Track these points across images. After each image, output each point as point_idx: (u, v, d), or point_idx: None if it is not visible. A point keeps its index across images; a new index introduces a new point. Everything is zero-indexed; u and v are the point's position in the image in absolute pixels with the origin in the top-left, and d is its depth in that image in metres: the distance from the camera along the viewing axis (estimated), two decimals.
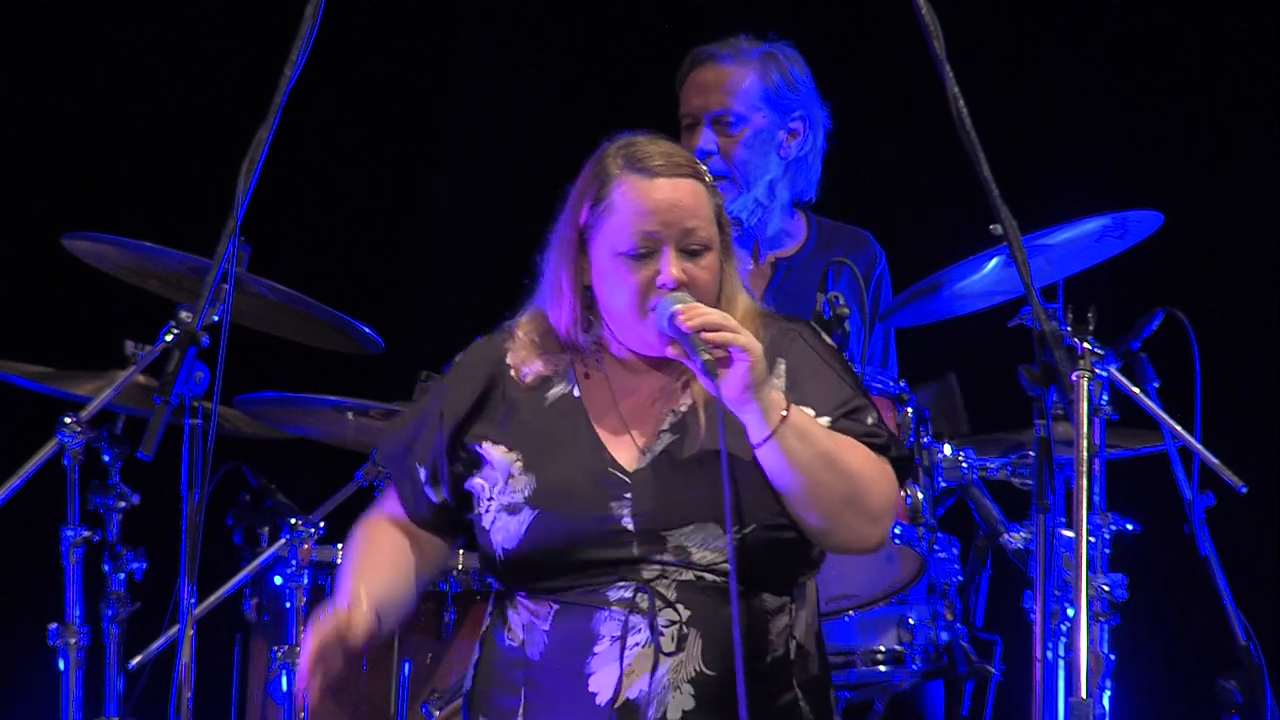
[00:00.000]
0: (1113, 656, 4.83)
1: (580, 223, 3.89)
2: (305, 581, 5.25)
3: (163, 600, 5.12)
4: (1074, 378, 4.12)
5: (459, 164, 6.94)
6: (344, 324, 5.24)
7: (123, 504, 5.21)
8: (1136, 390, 4.98)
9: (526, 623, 3.85)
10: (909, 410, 4.95)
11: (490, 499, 3.89)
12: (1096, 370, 4.43)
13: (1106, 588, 4.83)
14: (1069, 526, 4.51)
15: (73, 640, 5.10)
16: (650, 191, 3.82)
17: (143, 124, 6.83)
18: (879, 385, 4.94)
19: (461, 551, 5.38)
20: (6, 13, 6.79)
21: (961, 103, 3.96)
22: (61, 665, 5.11)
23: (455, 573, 5.36)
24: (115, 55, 6.81)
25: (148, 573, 5.24)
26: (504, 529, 3.84)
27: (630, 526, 3.78)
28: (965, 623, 5.14)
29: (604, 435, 3.87)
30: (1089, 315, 4.54)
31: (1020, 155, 6.41)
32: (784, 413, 3.73)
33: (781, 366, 3.87)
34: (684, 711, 3.73)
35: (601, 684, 3.76)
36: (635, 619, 3.75)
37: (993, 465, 5.15)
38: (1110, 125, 6.69)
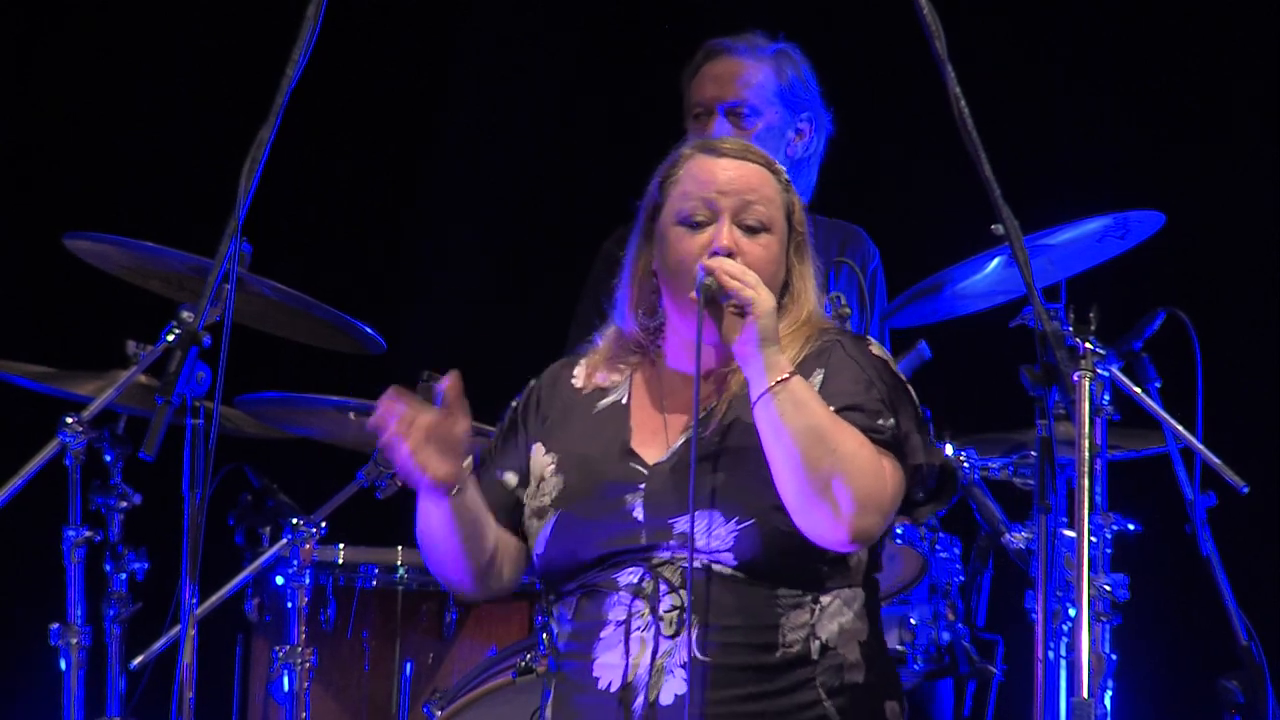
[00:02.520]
0: (1114, 656, 4.83)
1: (650, 203, 4.00)
2: (307, 581, 5.25)
3: (164, 600, 5.12)
4: (1076, 378, 4.12)
5: (459, 164, 6.94)
6: (345, 324, 5.24)
7: (124, 504, 5.21)
8: (1138, 390, 4.98)
9: (559, 615, 3.92)
10: None
11: (525, 504, 3.99)
12: (1098, 370, 4.44)
13: (1108, 588, 4.83)
14: (1071, 526, 4.52)
15: (74, 640, 5.10)
16: (715, 166, 3.94)
17: (143, 124, 6.83)
18: None
19: None
20: (7, 13, 6.79)
21: (963, 102, 3.96)
22: (63, 665, 5.11)
23: None
24: (116, 55, 6.81)
25: (149, 573, 5.24)
26: (535, 533, 3.93)
27: (640, 516, 3.83)
28: (967, 622, 5.14)
29: (637, 435, 3.95)
30: (1091, 315, 4.54)
31: (1022, 155, 6.41)
32: (785, 376, 3.77)
33: (818, 375, 3.89)
34: (676, 695, 3.76)
35: (605, 668, 3.81)
36: (639, 603, 3.80)
37: (994, 465, 5.15)
38: (1111, 125, 6.69)
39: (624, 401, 4.01)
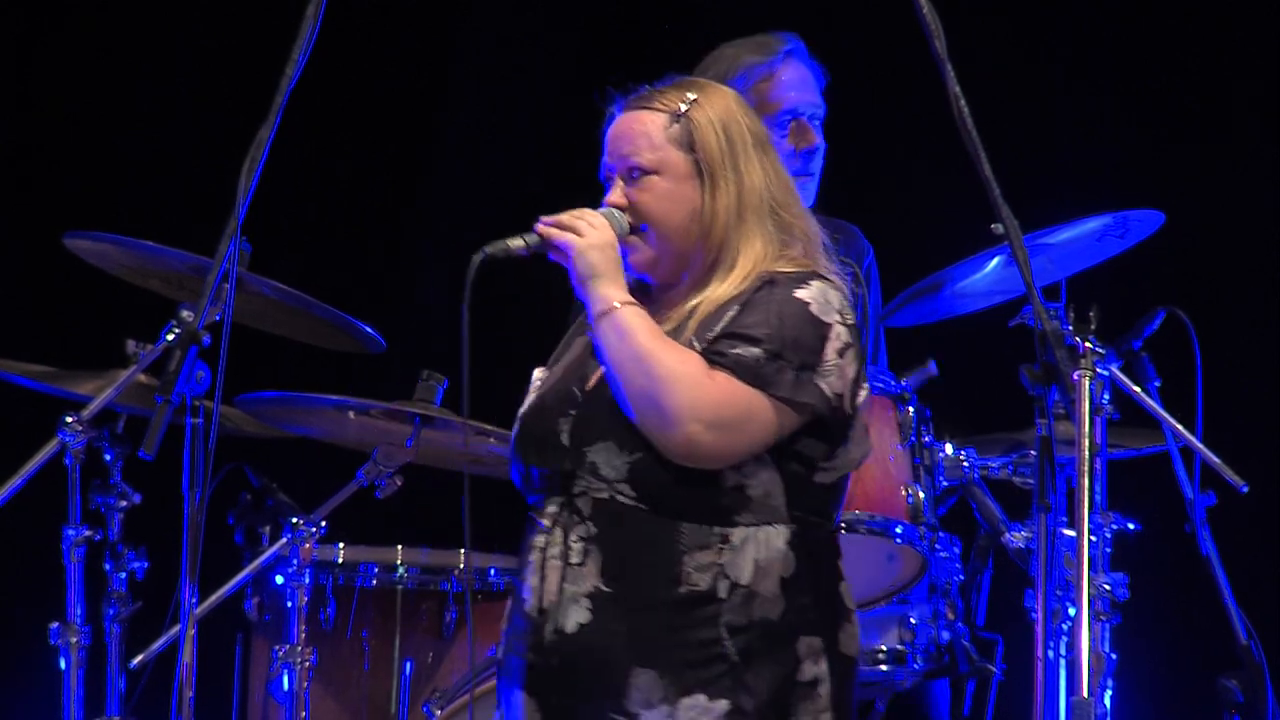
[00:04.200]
0: (1114, 656, 4.83)
1: None
2: (306, 581, 5.26)
3: (164, 599, 5.11)
4: (1075, 377, 4.12)
5: (459, 164, 6.94)
6: (345, 323, 5.24)
7: (124, 503, 5.21)
8: (1138, 389, 4.98)
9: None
10: (910, 410, 4.95)
11: None
12: (1098, 369, 4.43)
13: (1108, 587, 4.83)
14: (1070, 525, 4.52)
15: (74, 639, 5.10)
16: (611, 129, 4.07)
17: (143, 124, 6.83)
18: (880, 385, 4.94)
19: (463, 551, 5.39)
20: (7, 12, 6.79)
21: (963, 102, 3.97)
22: (63, 664, 5.12)
23: (456, 572, 5.37)
24: (116, 55, 6.81)
25: (149, 572, 5.24)
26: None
27: (565, 442, 3.93)
28: (967, 622, 5.14)
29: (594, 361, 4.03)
30: (1090, 314, 4.55)
31: (1021, 155, 6.41)
32: (611, 307, 3.90)
33: (730, 314, 3.92)
34: (579, 624, 3.85)
35: (529, 591, 3.91)
36: (557, 532, 3.90)
37: (994, 464, 5.15)
38: (1111, 125, 6.69)
39: None
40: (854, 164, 5.83)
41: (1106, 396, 4.81)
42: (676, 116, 4.01)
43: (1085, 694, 3.93)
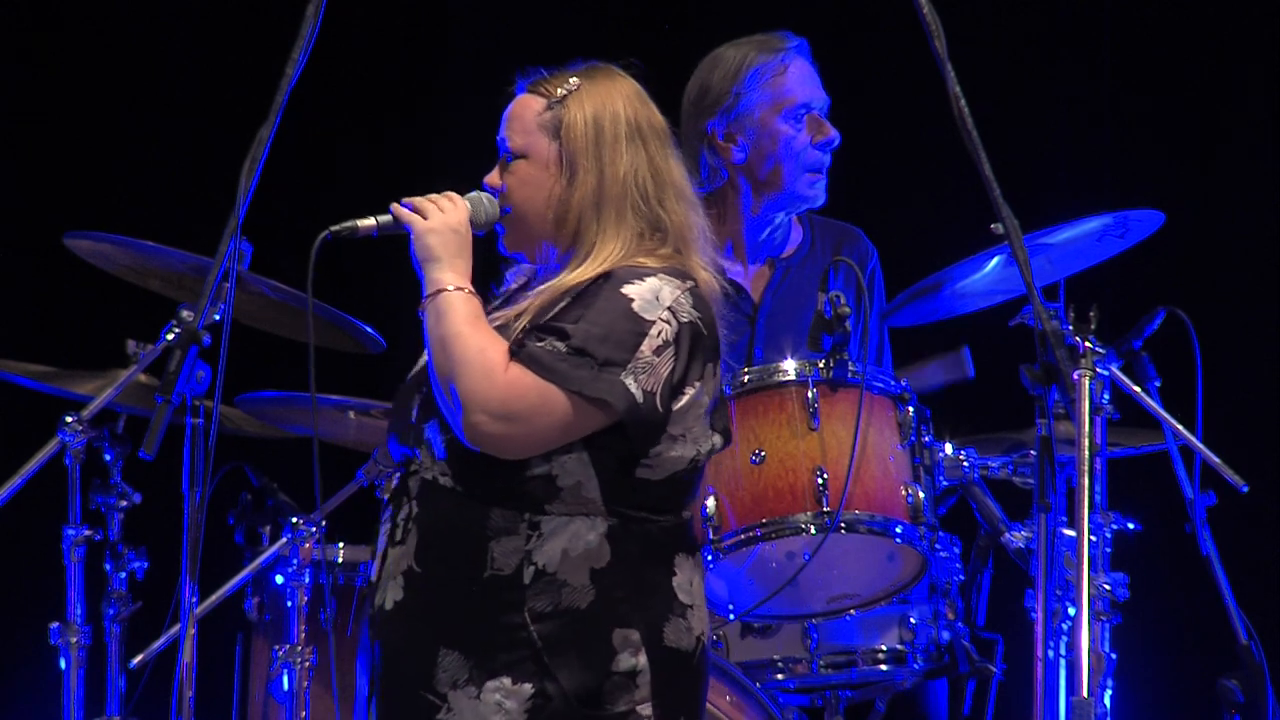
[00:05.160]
0: (1114, 655, 4.83)
1: None
2: (306, 580, 5.25)
3: (164, 599, 5.11)
4: (1075, 376, 4.13)
5: (459, 163, 6.93)
6: (345, 323, 5.24)
7: (124, 503, 5.22)
8: (1138, 389, 4.98)
9: None
10: (910, 410, 4.95)
11: None
12: (1098, 369, 4.43)
13: (1108, 587, 4.83)
14: (1070, 525, 4.52)
15: (74, 639, 5.10)
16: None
17: (143, 123, 6.83)
18: (880, 384, 4.93)
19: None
20: (7, 12, 6.79)
21: (963, 101, 3.97)
22: (63, 664, 5.12)
23: None
24: (116, 55, 6.81)
25: (149, 572, 5.24)
26: None
27: (413, 419, 3.99)
28: (967, 622, 5.14)
29: None
30: (1090, 314, 4.55)
31: (1021, 154, 6.41)
32: (438, 289, 3.97)
33: (561, 306, 3.95)
34: (395, 602, 3.91)
35: (371, 567, 3.98)
36: (390, 509, 3.97)
37: (994, 464, 5.15)
38: (1110, 125, 6.69)
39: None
40: (854, 164, 5.83)
41: (1106, 396, 4.80)
42: (551, 103, 4.05)
43: (1085, 694, 3.94)
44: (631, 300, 3.91)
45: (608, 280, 3.94)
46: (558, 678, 3.85)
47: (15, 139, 6.79)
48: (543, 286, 4.00)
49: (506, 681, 3.85)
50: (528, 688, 3.85)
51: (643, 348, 3.89)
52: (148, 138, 6.82)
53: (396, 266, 6.98)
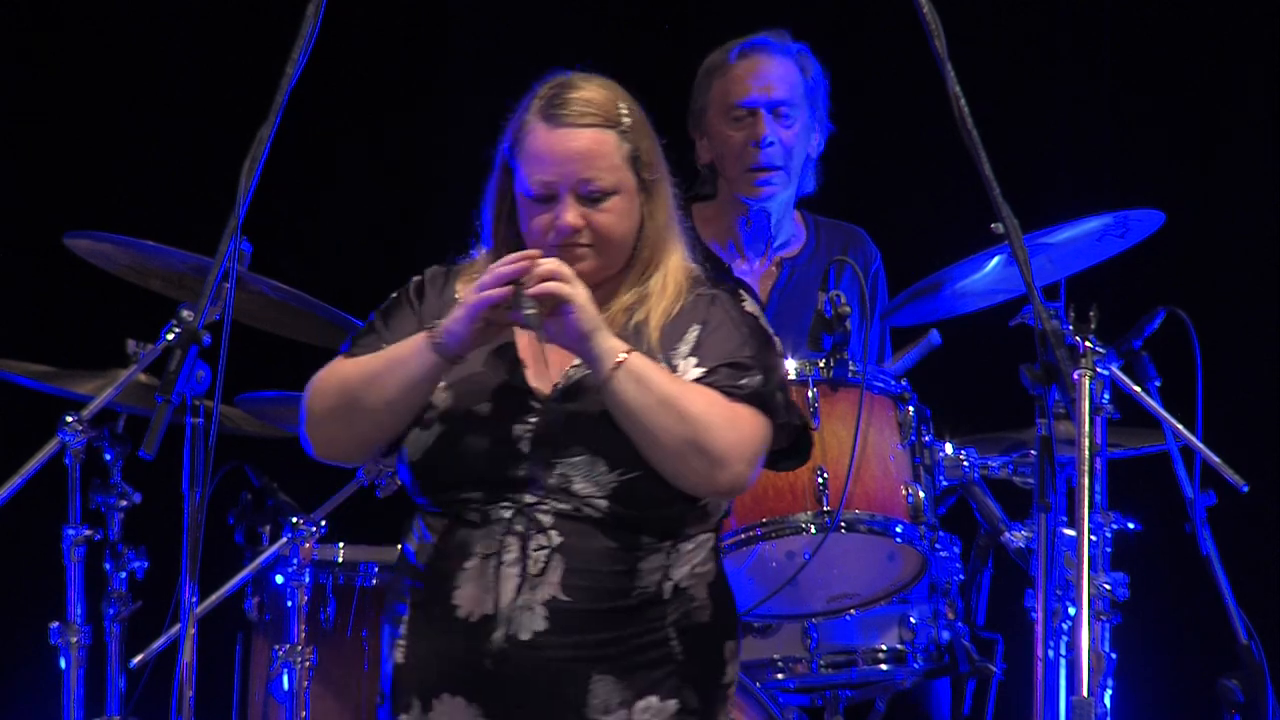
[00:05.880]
0: (1114, 655, 4.84)
1: (505, 162, 4.07)
2: (306, 580, 5.25)
3: (164, 599, 5.11)
4: (1076, 376, 4.13)
5: (459, 163, 6.93)
6: (345, 323, 5.24)
7: (124, 503, 5.21)
8: (1138, 389, 4.98)
9: (422, 533, 3.97)
10: (910, 409, 4.95)
11: None
12: (1098, 369, 4.44)
13: (1108, 586, 4.83)
14: (1070, 525, 4.52)
15: (74, 639, 5.10)
16: (551, 142, 3.95)
17: (144, 123, 6.83)
18: (880, 384, 4.94)
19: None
20: (7, 12, 6.79)
21: (963, 101, 3.97)
22: (63, 664, 5.11)
23: None
24: (116, 55, 6.81)
25: (149, 571, 5.24)
26: (414, 441, 3.95)
27: (526, 450, 3.89)
28: (967, 621, 5.14)
29: (525, 359, 3.98)
30: (1090, 314, 4.55)
31: (1021, 154, 6.41)
32: (620, 358, 3.83)
33: (693, 332, 3.95)
34: (534, 632, 3.85)
35: (465, 598, 3.87)
36: (510, 540, 3.87)
37: (994, 464, 5.15)
38: (1110, 125, 6.69)
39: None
40: (854, 164, 5.84)
41: (1106, 396, 4.81)
42: (623, 132, 3.98)
43: (1085, 694, 3.93)
44: (757, 317, 4.00)
45: (715, 301, 3.98)
46: (694, 690, 3.90)
47: (15, 139, 6.79)
48: (634, 306, 3.97)
49: (654, 700, 3.87)
50: (673, 703, 3.88)
51: (784, 365, 4.01)
52: (148, 138, 6.82)
53: (396, 266, 7.00)
